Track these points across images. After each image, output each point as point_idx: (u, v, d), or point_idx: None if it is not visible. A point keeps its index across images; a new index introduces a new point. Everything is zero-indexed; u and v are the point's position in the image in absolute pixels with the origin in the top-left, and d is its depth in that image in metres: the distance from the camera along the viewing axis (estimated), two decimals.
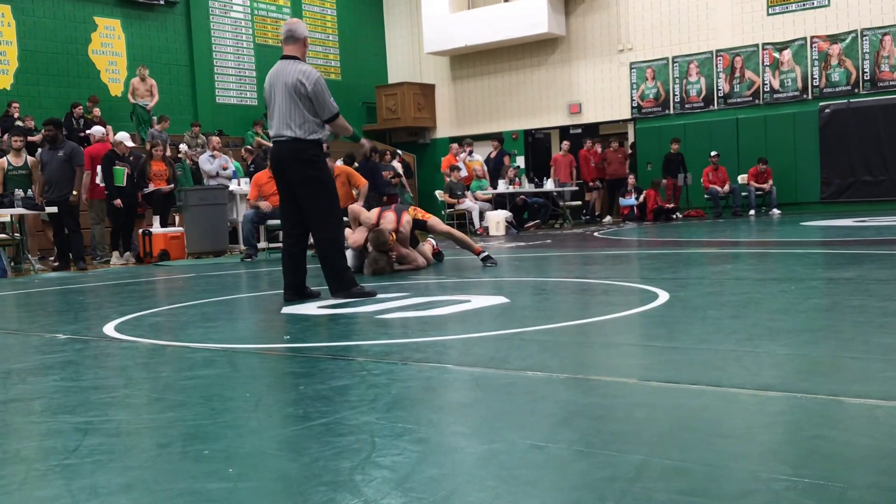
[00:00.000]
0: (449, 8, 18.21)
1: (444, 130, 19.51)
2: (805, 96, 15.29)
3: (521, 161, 18.04)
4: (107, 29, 15.10)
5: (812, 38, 15.13)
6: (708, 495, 1.56)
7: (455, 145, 15.52)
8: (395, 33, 20.16)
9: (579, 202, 16.08)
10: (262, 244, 10.54)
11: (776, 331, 3.27)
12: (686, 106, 16.50)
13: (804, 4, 15.16)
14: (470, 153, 15.29)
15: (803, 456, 1.79)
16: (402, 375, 2.80)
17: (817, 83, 15.17)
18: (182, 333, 4.21)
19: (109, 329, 4.34)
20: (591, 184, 16.18)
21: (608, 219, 16.02)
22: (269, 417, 2.38)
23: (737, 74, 15.91)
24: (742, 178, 15.20)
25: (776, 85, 15.56)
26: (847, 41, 14.84)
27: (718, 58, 16.05)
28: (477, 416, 2.28)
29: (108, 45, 15.13)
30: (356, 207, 7.73)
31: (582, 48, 17.51)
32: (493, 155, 15.93)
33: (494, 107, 18.78)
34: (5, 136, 11.35)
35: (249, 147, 14.27)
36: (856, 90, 14.86)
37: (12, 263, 9.70)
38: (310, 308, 4.80)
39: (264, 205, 9.52)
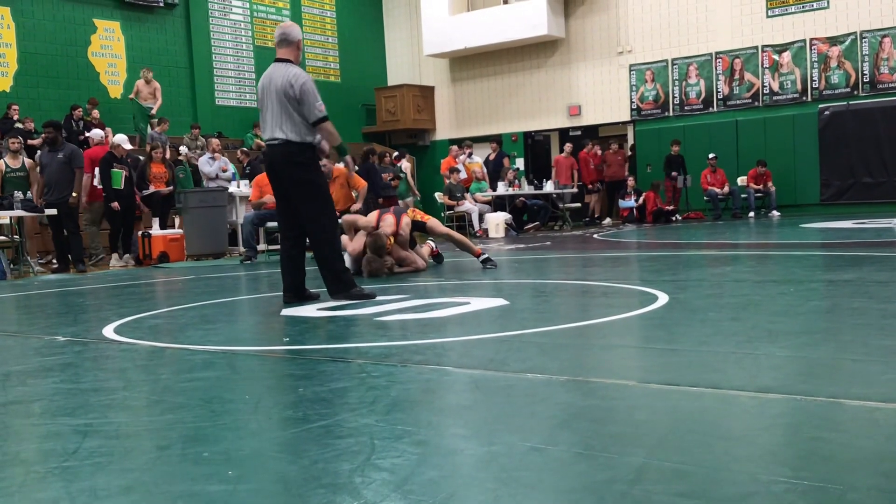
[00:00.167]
0: (448, 10, 18.20)
1: (443, 132, 19.51)
2: (804, 98, 15.30)
3: (520, 163, 18.02)
4: (106, 31, 15.10)
5: (811, 40, 15.14)
6: (707, 497, 1.56)
7: (454, 147, 15.52)
8: (395, 35, 20.15)
9: (578, 204, 16.09)
10: (261, 246, 10.54)
11: (776, 333, 3.26)
12: (685, 108, 16.50)
13: (803, 6, 15.17)
14: (469, 155, 15.29)
15: (803, 458, 1.79)
16: (401, 377, 2.80)
17: (817, 85, 15.17)
18: (181, 335, 4.20)
19: (109, 331, 4.34)
20: (590, 186, 16.18)
21: (608, 221, 16.02)
22: (268, 419, 2.38)
23: (736, 76, 15.91)
24: (741, 180, 15.19)
25: (775, 87, 15.56)
26: (846, 43, 14.85)
27: (718, 60, 16.05)
28: (476, 419, 2.28)
29: (108, 47, 15.13)
30: (350, 217, 7.72)
31: (581, 50, 17.51)
32: (491, 157, 15.92)
33: (494, 109, 18.78)
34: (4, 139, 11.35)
35: (245, 149, 14.26)
36: (855, 92, 14.87)
37: (12, 266, 9.70)
38: (309, 310, 4.80)
39: (268, 198, 9.49)
